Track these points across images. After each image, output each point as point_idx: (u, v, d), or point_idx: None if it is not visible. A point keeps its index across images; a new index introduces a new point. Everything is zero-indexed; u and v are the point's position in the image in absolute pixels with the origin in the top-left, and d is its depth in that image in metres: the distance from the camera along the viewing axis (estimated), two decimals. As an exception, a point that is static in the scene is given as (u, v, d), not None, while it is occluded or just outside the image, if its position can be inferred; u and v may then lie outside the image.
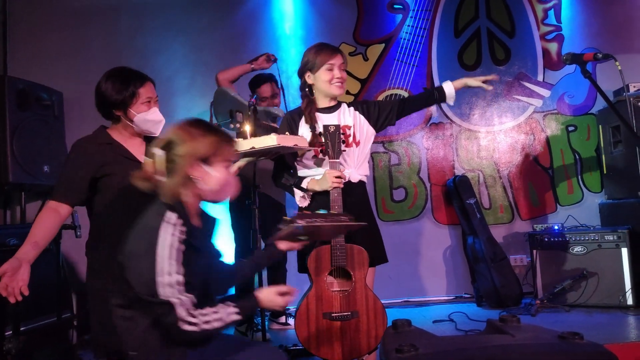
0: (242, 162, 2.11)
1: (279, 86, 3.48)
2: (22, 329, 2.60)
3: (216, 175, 1.51)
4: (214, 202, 1.58)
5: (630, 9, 4.51)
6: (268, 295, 1.58)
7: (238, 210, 3.48)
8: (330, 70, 2.32)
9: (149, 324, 1.43)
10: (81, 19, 4.28)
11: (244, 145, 1.99)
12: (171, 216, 1.44)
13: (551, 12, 4.53)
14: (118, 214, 1.96)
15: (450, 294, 4.30)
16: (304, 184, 2.34)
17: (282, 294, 1.58)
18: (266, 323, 3.25)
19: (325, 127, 2.20)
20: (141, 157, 2.04)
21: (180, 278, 1.38)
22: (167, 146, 1.49)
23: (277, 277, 3.53)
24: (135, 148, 2.05)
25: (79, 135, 2.06)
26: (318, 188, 2.27)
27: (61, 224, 1.96)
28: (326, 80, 2.33)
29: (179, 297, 1.38)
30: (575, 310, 3.58)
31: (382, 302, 3.98)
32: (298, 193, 2.37)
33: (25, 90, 3.38)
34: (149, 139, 2.10)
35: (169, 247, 1.39)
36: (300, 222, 1.58)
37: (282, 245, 1.73)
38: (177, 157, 1.47)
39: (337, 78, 2.31)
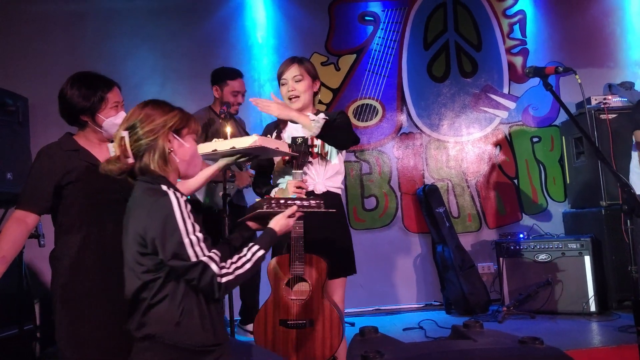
0: (222, 163, 2.09)
1: None
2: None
3: (188, 147, 1.59)
4: (186, 176, 1.65)
5: (591, 25, 4.69)
6: (279, 221, 1.69)
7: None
8: (284, 85, 2.34)
9: (184, 292, 1.46)
10: (47, 24, 4.21)
11: (224, 145, 1.96)
12: (165, 187, 1.48)
13: (516, 27, 4.67)
14: (83, 221, 1.93)
15: (421, 301, 4.35)
16: (272, 193, 2.35)
17: (290, 216, 1.70)
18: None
19: (293, 138, 2.23)
20: None
21: (202, 235, 1.45)
22: (133, 127, 1.52)
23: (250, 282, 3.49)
24: (103, 154, 2.02)
25: (44, 142, 2.02)
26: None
27: (28, 234, 1.92)
28: (284, 95, 2.36)
29: (208, 254, 1.43)
30: (540, 316, 3.66)
31: (353, 310, 4.05)
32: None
33: (-14, 94, 3.29)
34: None
35: (183, 210, 1.44)
36: (266, 207, 1.68)
37: (252, 224, 1.81)
38: (147, 134, 1.51)
39: (288, 92, 2.33)
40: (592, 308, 3.62)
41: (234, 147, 1.92)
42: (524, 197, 4.52)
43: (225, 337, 1.56)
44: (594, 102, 3.99)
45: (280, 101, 2.28)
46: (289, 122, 2.38)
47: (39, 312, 3.28)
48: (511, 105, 4.59)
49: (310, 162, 2.28)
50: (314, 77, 2.38)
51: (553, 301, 3.71)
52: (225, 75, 3.44)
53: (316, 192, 2.30)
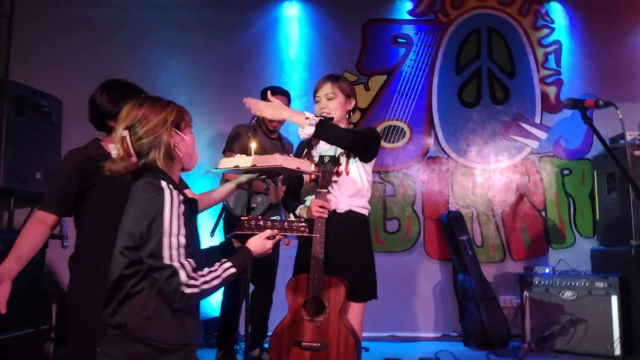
0: (243, 179, 2.08)
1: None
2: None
3: (188, 140, 1.60)
4: (188, 169, 1.65)
5: (627, 59, 4.60)
6: (257, 242, 1.65)
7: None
8: (318, 102, 2.35)
9: (157, 292, 1.46)
10: (84, 29, 4.32)
11: (246, 161, 1.96)
12: (165, 184, 1.48)
13: (551, 57, 4.60)
14: (101, 225, 1.93)
15: (438, 330, 4.24)
16: (297, 210, 2.33)
17: (269, 238, 1.66)
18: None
19: (321, 157, 2.21)
20: None
21: (184, 240, 1.44)
22: (133, 126, 1.52)
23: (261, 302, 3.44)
24: None
25: (75, 144, 2.04)
26: (306, 215, 2.28)
27: (47, 235, 1.92)
28: (316, 112, 2.35)
29: (181, 261, 1.42)
30: (563, 356, 3.54)
31: (368, 334, 3.96)
32: (291, 217, 2.37)
33: (24, 96, 3.37)
34: None
35: (174, 210, 1.44)
36: (246, 227, 1.67)
37: (236, 243, 1.79)
38: (149, 132, 1.51)
39: (320, 109, 2.33)
40: (617, 351, 3.49)
41: (254, 165, 1.92)
42: (552, 230, 4.40)
43: (193, 339, 1.55)
44: (628, 138, 3.87)
45: (276, 102, 2.23)
46: (320, 141, 2.35)
47: (56, 312, 3.30)
48: (542, 135, 4.50)
49: (335, 182, 2.25)
50: (348, 95, 2.36)
51: (576, 341, 3.58)
52: (265, 90, 3.42)
53: (338, 211, 2.26)
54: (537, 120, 4.53)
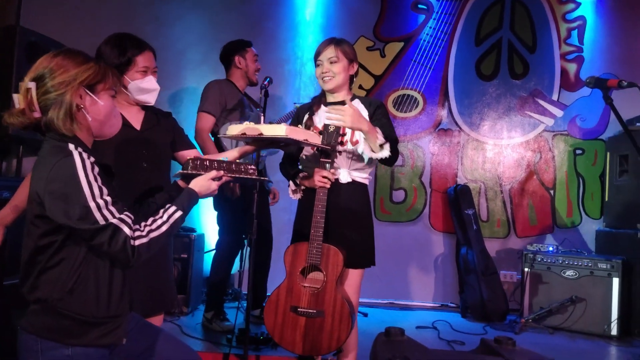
0: (250, 147, 2.07)
1: None
2: (4, 283, 2.56)
3: (102, 104, 1.45)
4: (101, 136, 1.51)
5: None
6: (201, 182, 1.58)
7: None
8: (320, 66, 2.29)
9: (83, 259, 1.38)
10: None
11: (253, 130, 1.95)
12: (72, 146, 1.37)
13: (574, 33, 4.47)
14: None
15: (437, 301, 4.29)
16: (298, 178, 2.31)
17: (214, 179, 1.60)
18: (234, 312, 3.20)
19: (326, 126, 2.16)
20: (137, 124, 2.03)
21: (109, 198, 1.34)
22: (41, 77, 1.38)
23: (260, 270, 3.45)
24: (132, 115, 2.03)
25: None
26: (307, 184, 2.27)
27: None
28: (318, 76, 2.30)
29: (118, 216, 1.33)
30: (559, 333, 3.58)
31: (367, 300, 4.02)
32: (291, 185, 2.35)
33: (37, 43, 3.31)
34: (147, 108, 2.08)
35: (89, 172, 1.34)
36: (190, 168, 1.61)
37: (182, 184, 1.72)
38: (57, 87, 1.37)
39: (323, 73, 2.27)
40: (614, 331, 3.53)
41: (261, 134, 1.90)
42: (559, 209, 4.38)
43: (121, 311, 1.46)
44: (645, 121, 3.81)
45: (354, 110, 2.11)
46: (322, 106, 2.32)
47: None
48: (558, 113, 4.42)
49: (339, 152, 2.23)
50: (351, 59, 2.30)
51: (574, 319, 3.62)
52: (244, 43, 3.41)
53: (341, 181, 2.26)
54: (555, 97, 4.44)
